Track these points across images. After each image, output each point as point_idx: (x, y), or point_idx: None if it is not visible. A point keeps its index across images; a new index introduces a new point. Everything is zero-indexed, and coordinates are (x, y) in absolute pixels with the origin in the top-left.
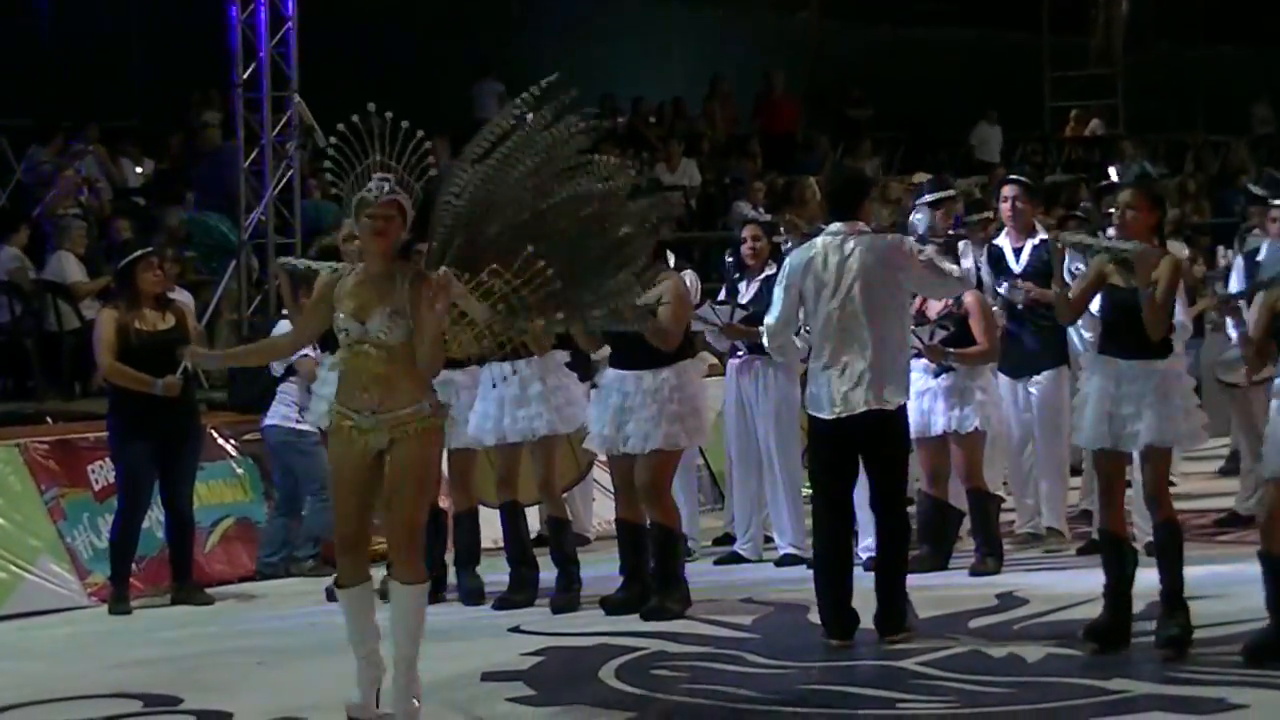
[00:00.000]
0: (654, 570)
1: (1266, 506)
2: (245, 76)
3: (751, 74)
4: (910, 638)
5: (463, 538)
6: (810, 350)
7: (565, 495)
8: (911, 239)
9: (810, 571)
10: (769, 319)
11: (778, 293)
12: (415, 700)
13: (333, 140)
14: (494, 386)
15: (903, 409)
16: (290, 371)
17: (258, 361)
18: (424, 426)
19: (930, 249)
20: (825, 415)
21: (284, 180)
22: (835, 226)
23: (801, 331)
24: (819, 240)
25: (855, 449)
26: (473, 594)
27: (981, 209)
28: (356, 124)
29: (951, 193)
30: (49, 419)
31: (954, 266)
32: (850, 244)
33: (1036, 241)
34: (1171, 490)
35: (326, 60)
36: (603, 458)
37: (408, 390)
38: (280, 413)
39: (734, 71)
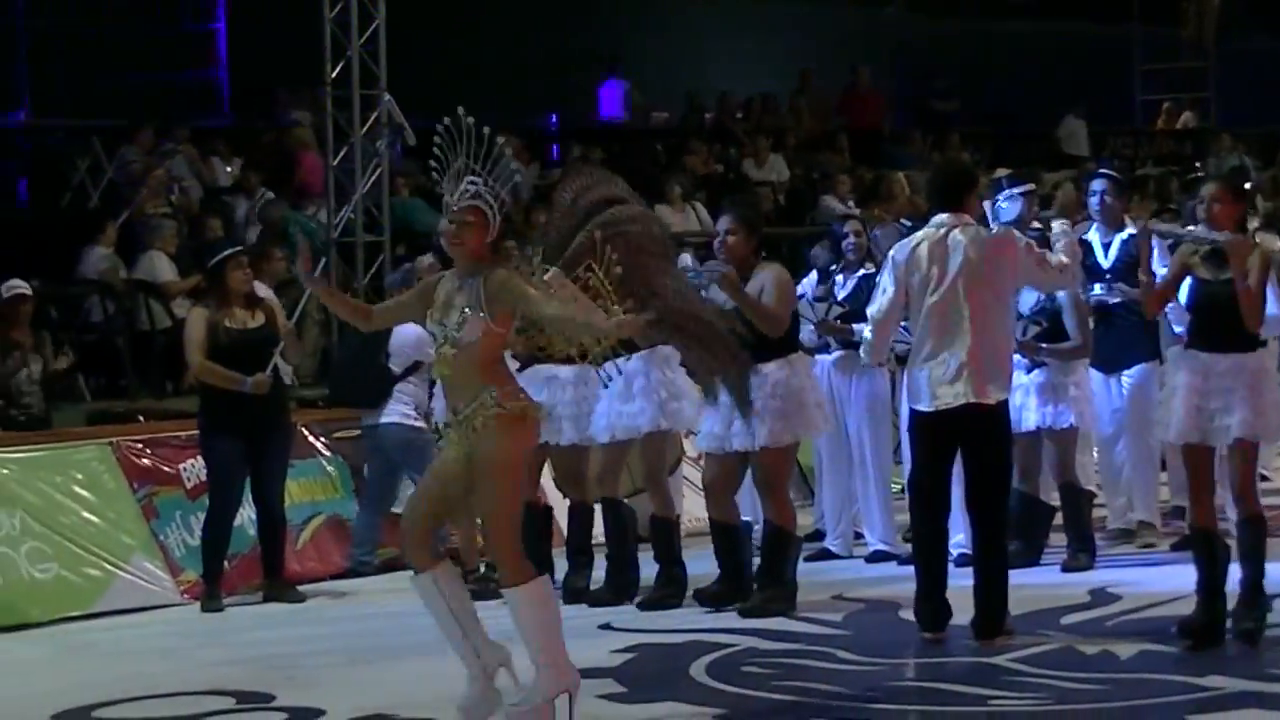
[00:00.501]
0: (760, 567)
1: None
2: (334, 75)
3: (838, 68)
4: (1007, 641)
5: (573, 535)
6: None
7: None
8: (1013, 230)
9: (901, 568)
10: (872, 309)
11: (882, 284)
12: (543, 699)
13: (436, 140)
14: (604, 386)
15: (1004, 405)
16: (409, 371)
17: (348, 315)
18: (488, 418)
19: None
20: (924, 407)
21: (373, 178)
22: (940, 218)
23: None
24: (921, 232)
25: (953, 443)
26: (574, 593)
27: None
28: (451, 126)
29: (1032, 186)
30: (141, 417)
31: (1062, 259)
32: (955, 236)
33: (1125, 236)
34: (1261, 485)
35: (415, 58)
36: (692, 454)
37: (474, 387)
38: (399, 411)
39: (821, 66)
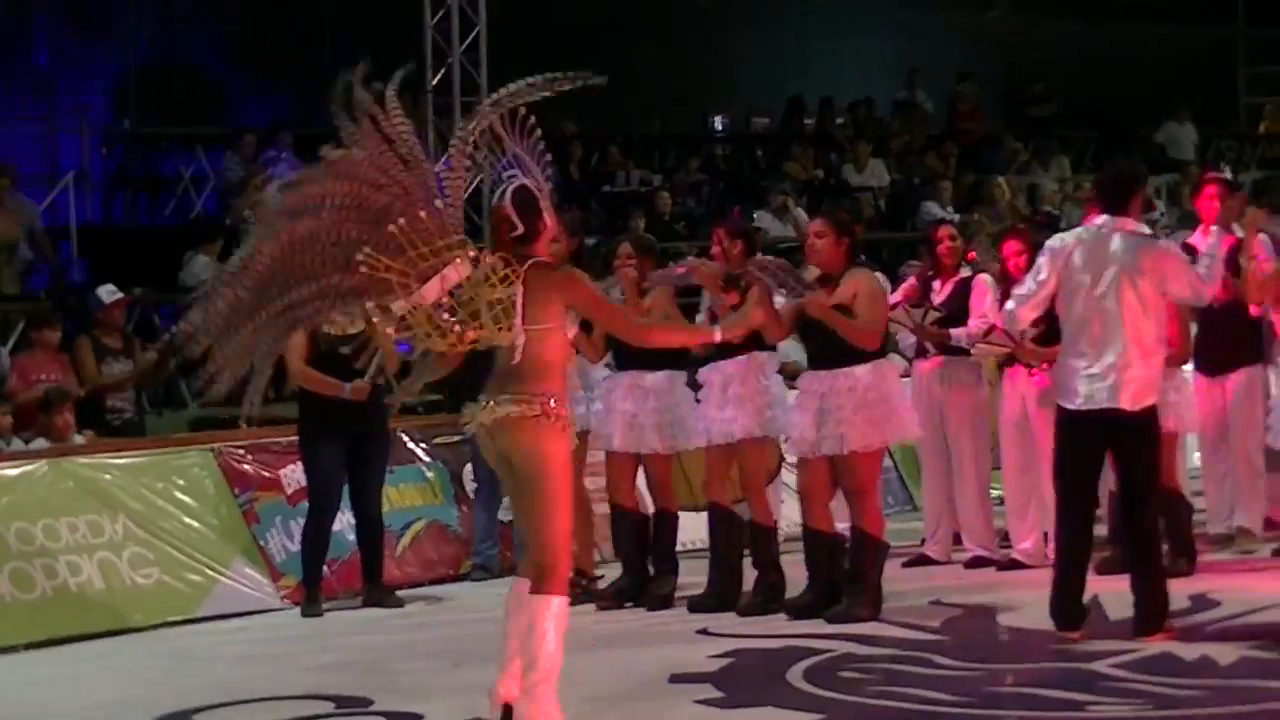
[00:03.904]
0: (848, 574)
1: None
2: (435, 81)
3: (941, 72)
4: (1170, 637)
5: (658, 542)
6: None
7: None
8: (1173, 241)
9: (1000, 574)
10: (1017, 291)
11: (1036, 268)
12: None
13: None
14: (695, 391)
15: (1152, 409)
16: None
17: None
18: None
19: None
20: (1070, 405)
21: (473, 185)
22: (1101, 220)
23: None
24: (1081, 229)
25: (1099, 443)
26: (660, 599)
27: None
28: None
29: None
30: (243, 424)
31: (1202, 269)
32: (1116, 240)
33: (1233, 241)
34: None
35: (517, 65)
36: (790, 460)
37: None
38: None
39: (923, 70)
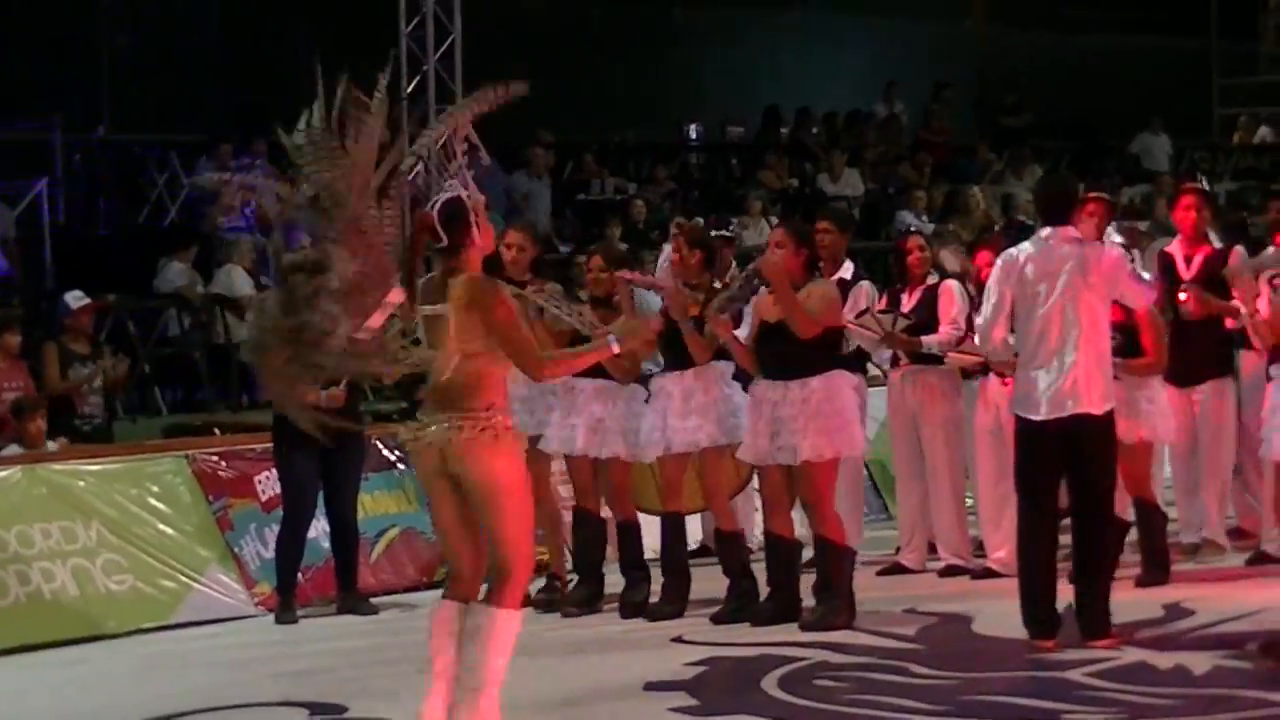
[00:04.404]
0: (816, 582)
1: None
2: (410, 90)
3: (915, 83)
4: (1117, 644)
5: (625, 550)
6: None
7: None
8: (1119, 249)
9: (974, 583)
10: (979, 319)
11: (987, 292)
12: None
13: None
14: (645, 400)
15: (1111, 414)
16: None
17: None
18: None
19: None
20: (1033, 416)
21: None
22: (1045, 232)
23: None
24: (1028, 244)
25: (1060, 452)
26: (632, 607)
27: (1136, 217)
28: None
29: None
30: (217, 430)
31: (1145, 274)
32: (1062, 250)
33: (1209, 251)
34: None
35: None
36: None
37: None
38: None
39: (898, 80)
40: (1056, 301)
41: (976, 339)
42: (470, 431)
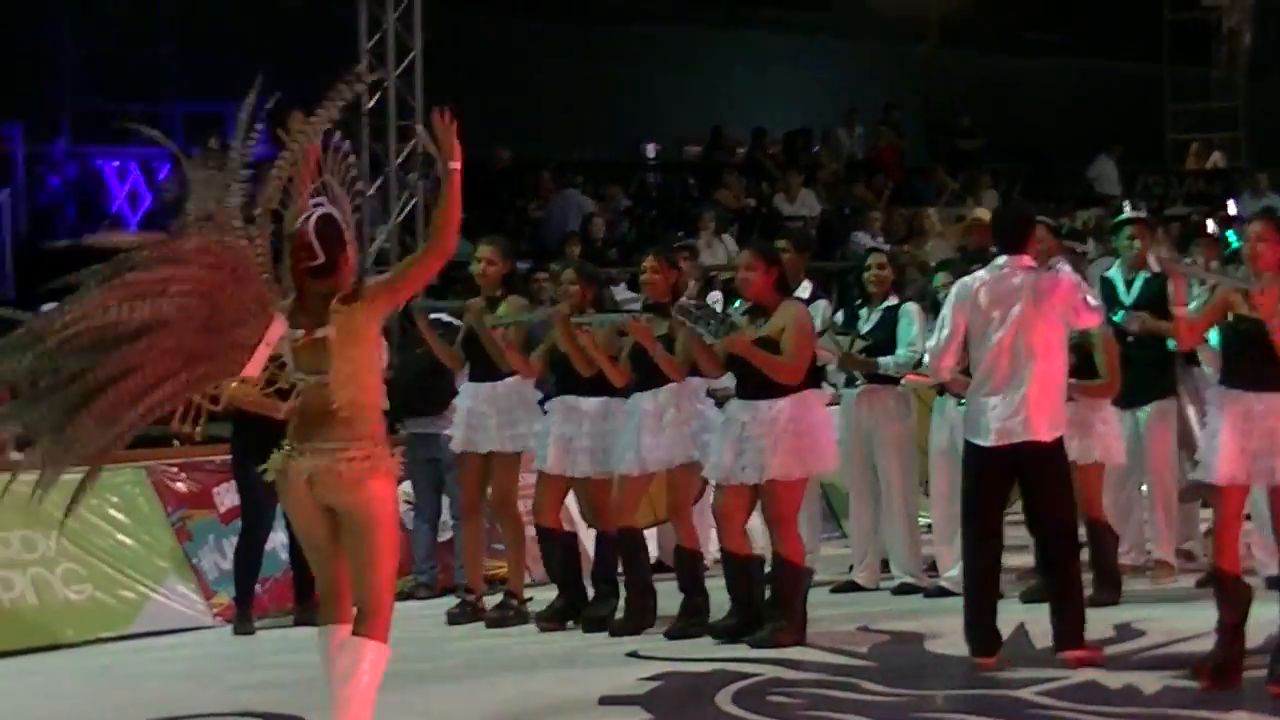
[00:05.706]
0: (769, 599)
1: None
2: (371, 105)
3: (870, 105)
4: (1095, 653)
5: (598, 564)
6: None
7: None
8: (1073, 274)
9: (926, 601)
10: (930, 343)
11: (941, 320)
12: None
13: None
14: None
15: (1061, 441)
16: None
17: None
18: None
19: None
20: (982, 442)
21: (407, 209)
22: (1001, 260)
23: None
24: (983, 272)
25: (1010, 478)
26: (595, 621)
27: (1080, 239)
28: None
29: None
30: (176, 441)
31: (1095, 300)
32: (1017, 278)
33: (1148, 275)
34: None
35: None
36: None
37: None
38: None
39: (853, 102)
40: (1009, 329)
41: (925, 361)
42: (346, 461)
